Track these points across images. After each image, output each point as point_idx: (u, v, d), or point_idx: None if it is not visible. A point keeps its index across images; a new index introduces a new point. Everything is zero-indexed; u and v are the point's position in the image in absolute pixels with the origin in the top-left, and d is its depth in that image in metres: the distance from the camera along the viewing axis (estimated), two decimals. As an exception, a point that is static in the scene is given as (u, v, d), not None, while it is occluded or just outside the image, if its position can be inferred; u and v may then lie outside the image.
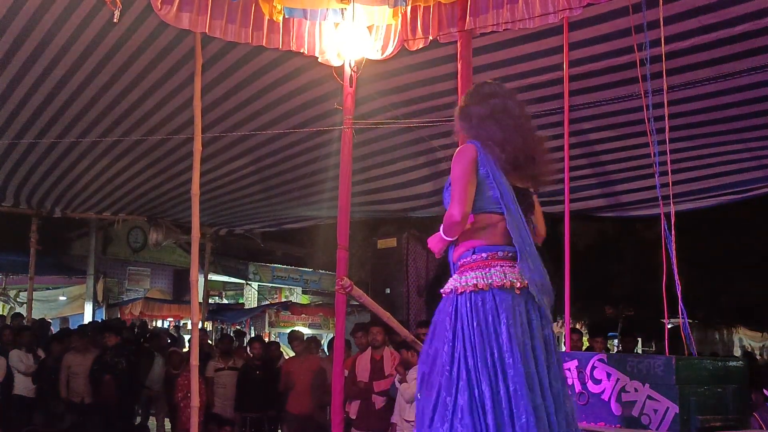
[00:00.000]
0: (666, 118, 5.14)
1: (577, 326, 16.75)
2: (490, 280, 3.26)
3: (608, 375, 4.47)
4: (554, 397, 3.18)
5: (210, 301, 18.17)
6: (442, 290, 3.42)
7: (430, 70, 7.03)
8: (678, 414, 4.16)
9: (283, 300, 23.71)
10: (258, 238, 16.10)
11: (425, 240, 3.57)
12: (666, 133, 5.16)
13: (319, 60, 6.37)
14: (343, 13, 6.01)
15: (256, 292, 23.98)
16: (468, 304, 3.25)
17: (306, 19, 6.09)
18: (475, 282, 3.27)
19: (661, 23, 5.12)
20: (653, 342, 20.16)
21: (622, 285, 16.57)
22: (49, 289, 19.14)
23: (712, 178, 8.92)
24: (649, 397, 4.28)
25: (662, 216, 4.98)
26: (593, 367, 4.55)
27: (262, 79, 7.43)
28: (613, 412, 4.43)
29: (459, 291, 3.30)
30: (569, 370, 4.63)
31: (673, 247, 4.83)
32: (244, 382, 9.95)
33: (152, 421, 11.43)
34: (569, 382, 4.60)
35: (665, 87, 5.12)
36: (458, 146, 3.57)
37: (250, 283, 23.39)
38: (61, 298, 19.30)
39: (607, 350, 10.33)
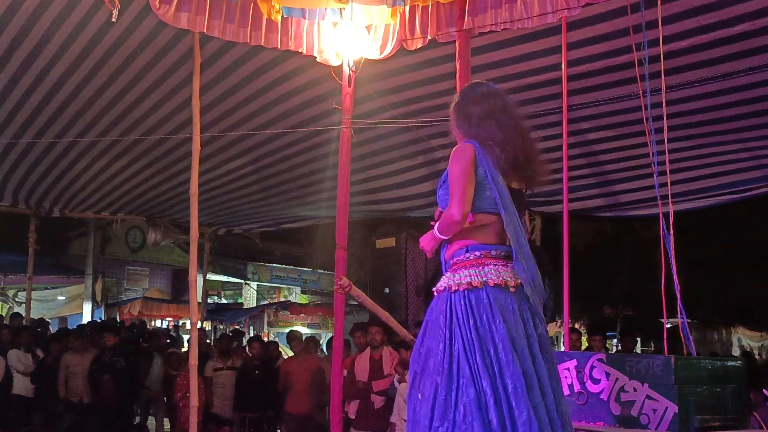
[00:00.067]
0: (664, 118, 5.14)
1: (576, 326, 16.76)
2: (484, 278, 3.25)
3: (607, 375, 4.47)
4: (553, 395, 3.18)
5: (209, 300, 18.20)
6: (434, 288, 3.40)
7: (429, 69, 7.03)
8: (677, 414, 4.15)
9: (282, 300, 23.72)
10: (257, 237, 16.11)
11: (423, 240, 3.55)
12: (664, 132, 5.16)
13: (318, 59, 6.37)
14: (341, 13, 6.01)
15: (255, 292, 23.99)
16: (463, 302, 3.24)
17: (304, 18, 6.09)
18: (469, 280, 3.26)
19: (660, 23, 5.12)
20: (652, 342, 20.19)
21: (621, 285, 16.59)
22: (48, 288, 19.13)
23: (710, 177, 8.93)
24: (648, 397, 4.28)
25: (661, 216, 4.98)
26: (592, 367, 4.54)
27: (260, 79, 7.42)
28: (612, 411, 4.43)
29: (453, 289, 3.28)
30: (568, 369, 4.63)
31: (672, 246, 4.82)
32: (242, 382, 9.95)
33: (151, 421, 11.43)
34: (568, 381, 4.60)
35: (663, 87, 5.11)
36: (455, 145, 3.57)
37: (248, 282, 23.40)
38: (60, 297, 19.29)
39: (606, 349, 10.33)
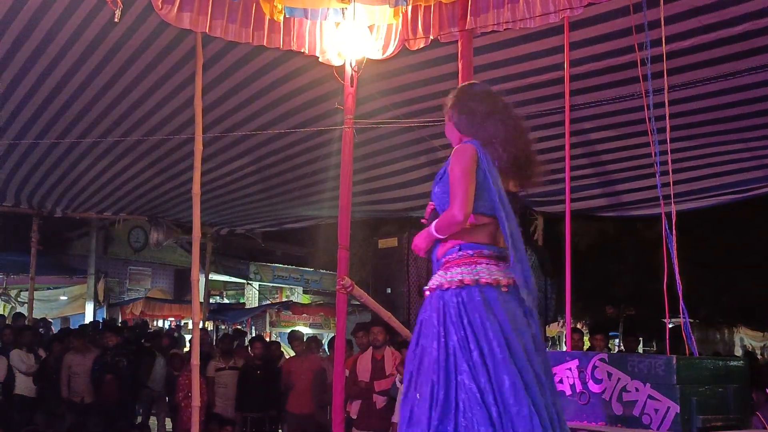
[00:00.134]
0: (667, 118, 5.14)
1: (578, 326, 16.76)
2: (476, 276, 3.23)
3: (609, 375, 4.47)
4: (549, 394, 3.17)
5: (211, 300, 18.19)
6: (426, 288, 3.38)
7: (431, 69, 7.03)
8: (679, 414, 4.16)
9: (284, 300, 23.75)
10: (259, 237, 16.12)
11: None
12: (667, 132, 5.17)
13: (320, 60, 6.37)
14: (343, 13, 6.01)
15: (257, 292, 24.01)
16: (455, 300, 3.22)
17: (307, 18, 6.09)
18: (461, 278, 3.24)
19: (662, 23, 5.12)
20: (654, 342, 20.20)
21: (623, 285, 16.60)
22: (50, 288, 19.17)
23: (712, 177, 8.92)
24: (650, 397, 4.28)
25: (663, 216, 4.98)
26: (594, 367, 4.54)
27: (262, 79, 7.43)
28: (614, 411, 4.43)
29: (445, 287, 3.27)
30: (570, 369, 4.64)
31: (674, 246, 4.82)
32: (244, 382, 9.95)
33: (153, 421, 11.43)
34: (570, 381, 4.60)
35: (666, 86, 5.11)
36: (449, 141, 3.56)
37: (251, 282, 23.42)
38: (62, 297, 19.32)
39: (608, 349, 10.33)
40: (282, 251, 23.37)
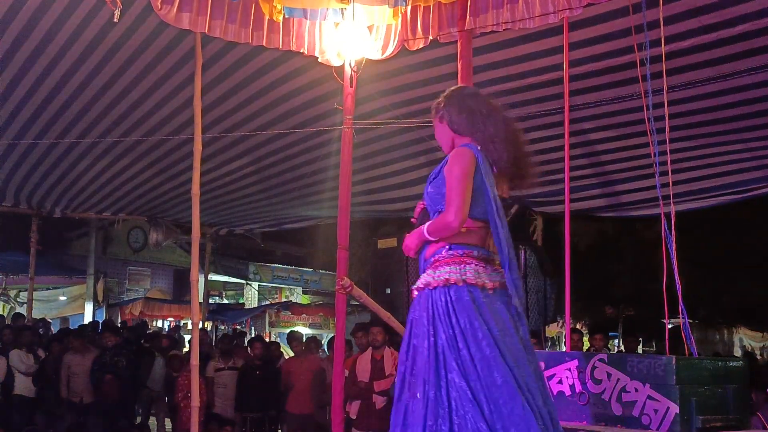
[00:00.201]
0: (666, 118, 5.13)
1: (578, 326, 16.76)
2: (464, 276, 3.24)
3: (609, 375, 4.47)
4: (540, 396, 3.17)
5: (210, 301, 18.20)
6: (414, 287, 3.39)
7: (430, 69, 7.03)
8: (678, 414, 4.15)
9: (284, 300, 23.76)
10: (258, 238, 16.11)
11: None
12: (666, 133, 5.16)
13: (319, 60, 6.37)
14: (343, 13, 6.00)
15: (257, 292, 24.02)
16: (443, 298, 3.23)
17: (306, 18, 6.09)
18: (447, 276, 3.25)
19: (662, 23, 5.12)
20: (654, 342, 20.19)
21: (623, 285, 16.61)
22: (50, 289, 19.16)
23: (712, 178, 8.92)
24: (650, 397, 4.28)
25: (662, 216, 4.98)
26: (593, 367, 4.54)
27: (262, 79, 7.43)
28: (613, 412, 4.42)
29: (433, 286, 3.28)
30: (569, 370, 4.63)
31: (674, 246, 4.82)
32: (244, 382, 9.94)
33: (153, 421, 11.43)
34: (569, 382, 4.60)
35: (665, 87, 5.11)
36: (439, 143, 3.56)
37: (250, 283, 23.43)
38: (62, 298, 19.32)
39: (608, 349, 10.33)
40: (281, 251, 23.38)
